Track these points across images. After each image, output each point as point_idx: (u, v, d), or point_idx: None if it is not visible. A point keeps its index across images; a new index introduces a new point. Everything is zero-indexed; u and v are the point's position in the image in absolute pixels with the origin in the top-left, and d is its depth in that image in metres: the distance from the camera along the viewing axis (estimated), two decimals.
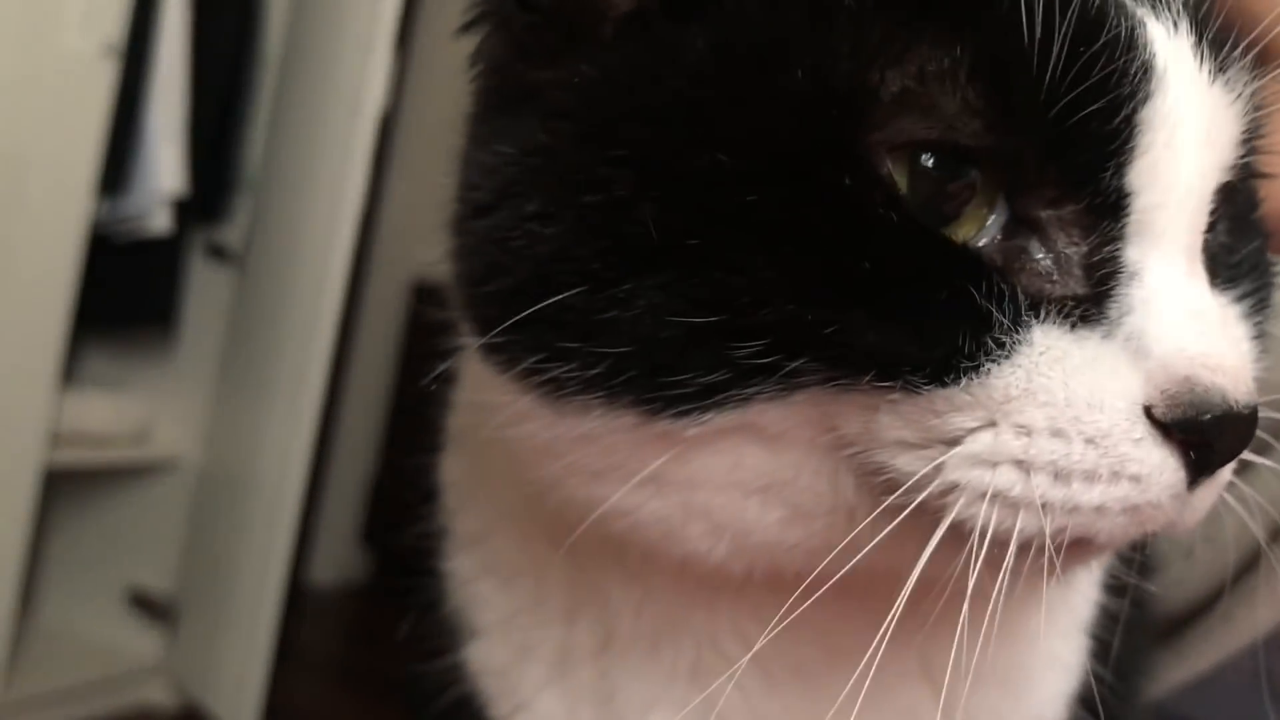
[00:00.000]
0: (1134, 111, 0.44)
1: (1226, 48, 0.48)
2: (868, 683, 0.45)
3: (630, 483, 0.47)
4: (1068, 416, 0.42)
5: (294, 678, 2.57)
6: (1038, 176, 0.44)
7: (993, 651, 0.45)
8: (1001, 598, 0.43)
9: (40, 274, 2.20)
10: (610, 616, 0.59)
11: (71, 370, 2.55)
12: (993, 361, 0.42)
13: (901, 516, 0.43)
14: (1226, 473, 0.47)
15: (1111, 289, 0.44)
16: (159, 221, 2.52)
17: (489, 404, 0.51)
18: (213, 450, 2.80)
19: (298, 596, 2.62)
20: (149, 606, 2.79)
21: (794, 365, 0.42)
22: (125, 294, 2.63)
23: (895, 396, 0.42)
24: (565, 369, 0.46)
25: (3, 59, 2.05)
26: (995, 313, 0.42)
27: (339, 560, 3.84)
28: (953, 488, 0.42)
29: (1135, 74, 0.44)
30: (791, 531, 0.47)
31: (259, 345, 2.68)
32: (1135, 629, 0.64)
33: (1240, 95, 0.48)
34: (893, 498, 0.43)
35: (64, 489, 2.68)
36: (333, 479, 3.67)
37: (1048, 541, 0.43)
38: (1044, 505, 0.42)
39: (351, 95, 2.54)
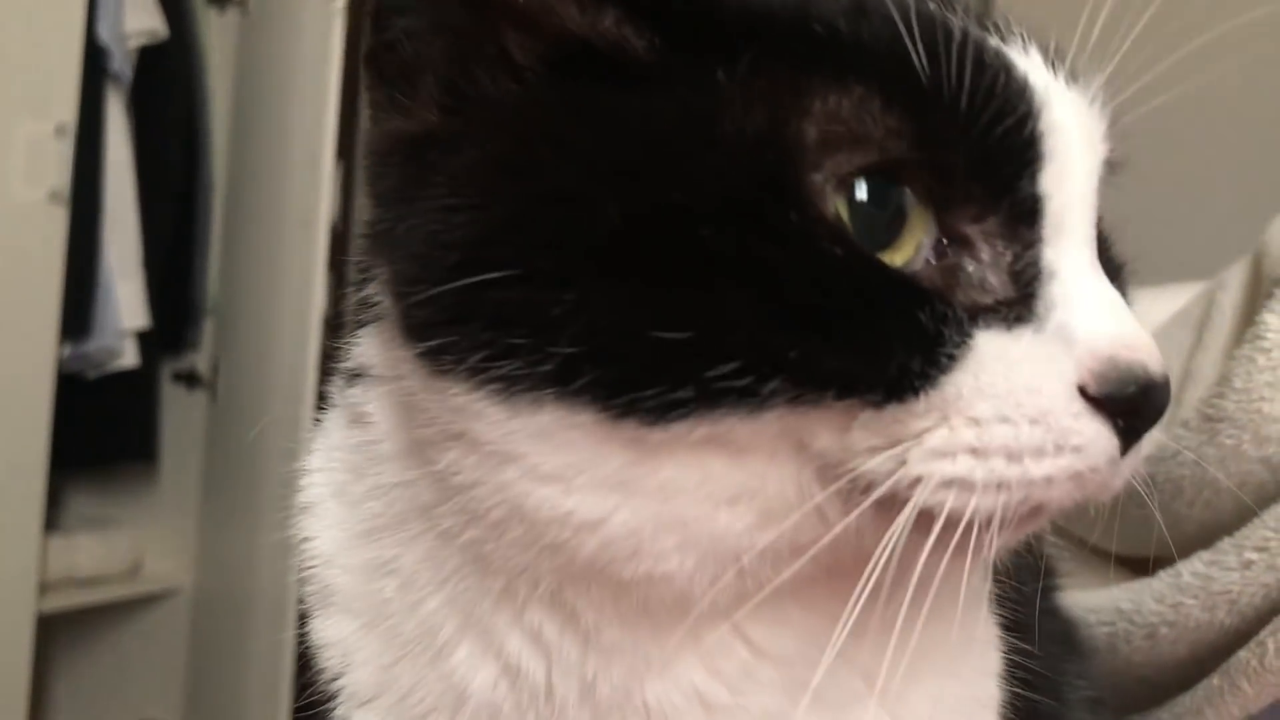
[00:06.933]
0: (1036, 123, 0.49)
1: (1069, 59, 0.53)
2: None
3: (599, 487, 0.48)
4: (1011, 404, 0.47)
5: None
6: (964, 192, 0.48)
7: (925, 634, 0.49)
8: (946, 577, 0.47)
9: (15, 423, 2.23)
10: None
11: (57, 514, 2.56)
12: (942, 372, 0.46)
13: (863, 507, 0.47)
14: (1149, 441, 0.52)
15: (1036, 289, 0.49)
16: (126, 358, 2.56)
17: (432, 426, 0.51)
18: (206, 575, 2.80)
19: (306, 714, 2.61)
20: None
21: (767, 388, 0.45)
22: (102, 432, 2.66)
23: (861, 412, 0.46)
24: (513, 366, 0.46)
25: None
26: (940, 330, 0.46)
27: None
28: (917, 480, 0.46)
29: (1026, 91, 0.49)
30: (763, 535, 0.48)
31: (240, 465, 2.69)
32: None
33: (1096, 98, 0.54)
34: (870, 498, 0.47)
35: (63, 631, 2.67)
36: None
37: (1002, 515, 0.47)
38: (1000, 484, 0.46)
39: (302, 210, 2.58)
